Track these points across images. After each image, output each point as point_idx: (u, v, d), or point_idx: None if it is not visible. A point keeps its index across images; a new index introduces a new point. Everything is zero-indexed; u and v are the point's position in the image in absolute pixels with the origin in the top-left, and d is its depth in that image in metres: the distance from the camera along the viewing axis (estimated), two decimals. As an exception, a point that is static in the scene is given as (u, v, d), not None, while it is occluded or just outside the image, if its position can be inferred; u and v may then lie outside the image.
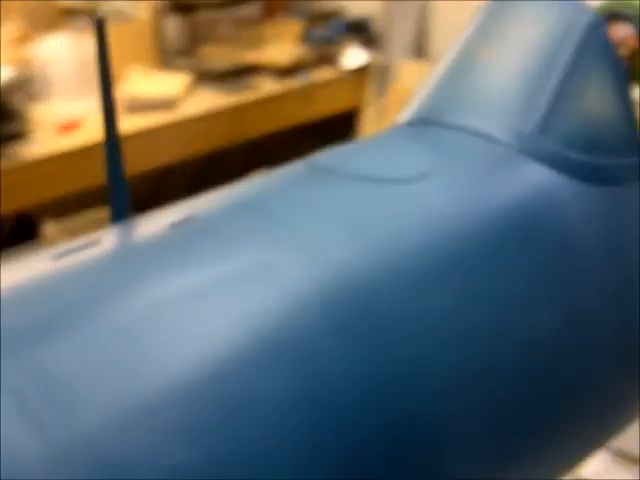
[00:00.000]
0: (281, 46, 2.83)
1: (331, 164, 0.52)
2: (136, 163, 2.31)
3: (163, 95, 2.48)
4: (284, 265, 0.42)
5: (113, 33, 2.57)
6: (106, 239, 0.51)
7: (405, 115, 0.63)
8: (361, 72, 2.82)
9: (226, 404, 0.35)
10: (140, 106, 2.44)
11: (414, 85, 2.65)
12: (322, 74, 2.76)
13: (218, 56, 2.77)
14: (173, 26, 2.80)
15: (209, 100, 2.55)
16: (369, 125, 2.81)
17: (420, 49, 2.82)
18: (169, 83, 2.56)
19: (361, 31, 2.86)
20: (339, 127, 2.82)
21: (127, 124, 2.31)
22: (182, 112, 2.46)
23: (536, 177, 0.53)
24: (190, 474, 0.34)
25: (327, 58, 2.80)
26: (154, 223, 0.52)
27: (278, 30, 2.91)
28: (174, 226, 0.50)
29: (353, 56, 2.81)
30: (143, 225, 0.54)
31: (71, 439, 0.34)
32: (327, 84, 2.76)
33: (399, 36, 2.82)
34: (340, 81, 2.79)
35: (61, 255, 0.47)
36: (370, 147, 0.57)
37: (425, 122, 0.59)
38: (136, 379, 0.37)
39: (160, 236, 0.48)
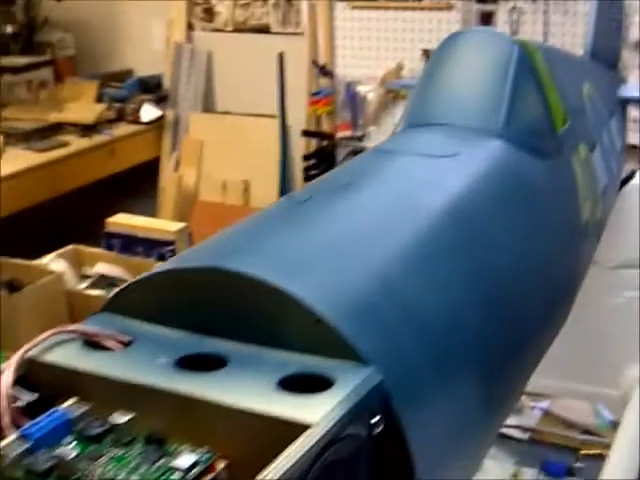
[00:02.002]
0: (80, 105, 3.00)
1: (390, 148, 0.79)
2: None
3: (-21, 156, 2.58)
4: (417, 200, 0.67)
5: None
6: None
7: (403, 123, 0.89)
8: (157, 126, 3.05)
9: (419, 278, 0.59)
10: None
11: (204, 136, 2.92)
12: (122, 129, 2.97)
13: (22, 117, 2.91)
14: (-28, 92, 2.90)
15: (22, 159, 2.67)
16: (167, 173, 3.04)
17: (207, 103, 3.10)
18: (-19, 145, 2.66)
19: (153, 88, 3.10)
20: (142, 177, 3.03)
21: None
22: (2, 171, 2.57)
23: (508, 151, 0.83)
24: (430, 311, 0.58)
25: (124, 115, 3.01)
26: None
27: (73, 91, 3.09)
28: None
29: (148, 112, 3.04)
30: None
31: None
32: (128, 138, 2.97)
33: (187, 92, 3.08)
34: (139, 135, 3.01)
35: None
36: (408, 137, 0.84)
37: (422, 124, 0.86)
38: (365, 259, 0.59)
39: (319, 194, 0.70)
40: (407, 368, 0.48)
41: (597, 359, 1.33)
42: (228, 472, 0.42)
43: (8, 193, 2.56)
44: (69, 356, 0.47)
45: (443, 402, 0.51)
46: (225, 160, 2.93)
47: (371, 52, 2.72)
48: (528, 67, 0.93)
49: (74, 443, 0.42)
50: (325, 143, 2.80)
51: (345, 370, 0.44)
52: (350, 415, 0.42)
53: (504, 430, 1.20)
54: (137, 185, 3.03)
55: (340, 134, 2.75)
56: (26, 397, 0.45)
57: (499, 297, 0.61)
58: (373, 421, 0.43)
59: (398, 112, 2.59)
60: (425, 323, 0.52)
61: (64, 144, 2.79)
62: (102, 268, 1.76)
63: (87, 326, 0.49)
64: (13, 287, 1.61)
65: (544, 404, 1.26)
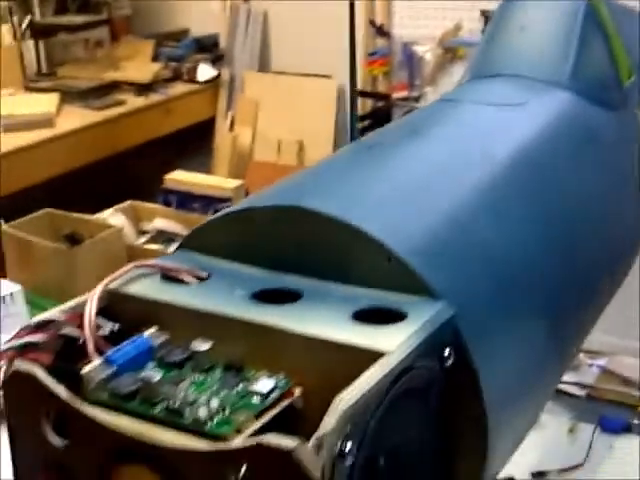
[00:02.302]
0: (136, 64, 3.03)
1: (457, 97, 0.79)
2: (21, 178, 2.46)
3: (39, 114, 2.62)
4: (486, 146, 0.68)
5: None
6: None
7: (468, 75, 0.89)
8: (213, 85, 3.07)
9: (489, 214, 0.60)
10: (19, 125, 2.57)
11: (260, 95, 2.93)
12: (178, 89, 2.99)
13: (78, 76, 2.94)
14: (32, 50, 2.94)
15: (80, 116, 2.71)
16: (222, 132, 3.06)
17: (263, 63, 3.11)
18: (41, 102, 2.70)
19: (209, 48, 3.11)
20: (197, 136, 3.05)
21: (6, 143, 2.46)
22: (60, 128, 2.61)
23: (576, 102, 0.83)
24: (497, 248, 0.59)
25: (180, 74, 3.03)
26: None
27: (129, 50, 3.11)
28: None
29: (204, 71, 3.05)
30: None
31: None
32: (184, 98, 2.99)
33: (243, 52, 3.09)
34: (195, 95, 3.03)
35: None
36: (474, 87, 0.84)
37: (487, 76, 0.86)
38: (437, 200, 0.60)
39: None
40: (478, 305, 0.49)
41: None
42: (303, 399, 0.43)
43: (66, 150, 2.59)
44: (149, 288, 0.49)
45: (512, 340, 0.52)
46: (280, 120, 2.93)
47: (429, 12, 2.71)
48: (594, 19, 0.92)
49: (157, 368, 0.43)
50: (381, 104, 2.80)
51: (417, 304, 0.45)
52: (423, 346, 0.43)
53: (561, 386, 1.20)
54: (192, 144, 3.06)
55: (396, 95, 2.75)
56: (108, 326, 0.47)
57: (569, 243, 0.62)
58: (445, 354, 0.45)
59: (455, 72, 2.58)
60: (496, 263, 0.52)
61: (120, 102, 2.82)
62: (160, 223, 1.78)
63: (166, 261, 0.51)
64: (73, 240, 1.64)
65: (602, 361, 1.25)
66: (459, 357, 0.46)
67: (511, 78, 0.83)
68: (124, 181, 2.83)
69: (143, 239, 1.75)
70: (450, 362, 0.45)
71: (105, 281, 0.48)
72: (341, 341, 0.43)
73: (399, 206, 0.52)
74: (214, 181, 2.12)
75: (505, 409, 0.50)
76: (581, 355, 1.24)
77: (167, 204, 1.88)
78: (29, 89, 2.84)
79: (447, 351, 0.45)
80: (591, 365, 1.25)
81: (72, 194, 2.54)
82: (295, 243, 0.50)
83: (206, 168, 2.95)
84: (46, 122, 2.61)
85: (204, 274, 0.50)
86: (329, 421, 0.37)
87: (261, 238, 0.51)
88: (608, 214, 0.73)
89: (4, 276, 1.50)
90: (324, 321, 0.44)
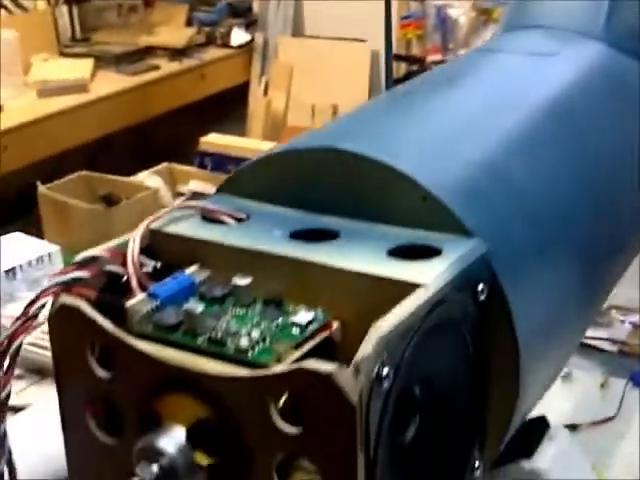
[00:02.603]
0: (170, 29, 3.04)
1: (491, 48, 0.79)
2: (56, 142, 2.49)
3: (74, 79, 2.64)
4: (520, 93, 0.68)
5: (16, 23, 2.75)
6: None
7: (501, 29, 0.89)
8: (246, 50, 3.07)
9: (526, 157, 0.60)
10: (53, 90, 2.59)
11: (293, 60, 2.93)
12: (212, 53, 2.99)
13: (112, 41, 2.96)
14: (66, 15, 2.96)
15: (114, 82, 2.72)
16: (256, 97, 3.07)
17: (296, 28, 3.10)
18: (76, 68, 2.72)
19: (242, 12, 3.11)
20: (231, 101, 3.06)
21: (41, 108, 2.49)
22: (95, 93, 2.63)
23: (609, 53, 0.82)
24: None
25: (214, 39, 3.04)
26: None
27: (163, 15, 3.12)
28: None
29: (237, 36, 3.06)
30: None
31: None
32: (217, 62, 2.99)
33: (277, 16, 3.09)
34: (228, 59, 3.04)
35: None
36: (508, 38, 0.84)
37: (520, 27, 0.86)
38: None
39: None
40: (511, 244, 0.50)
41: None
42: (342, 332, 0.45)
43: (101, 115, 2.61)
44: (190, 228, 0.50)
45: (544, 280, 0.52)
46: (314, 84, 2.94)
47: (463, -26, 2.69)
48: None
49: (199, 302, 0.45)
50: (415, 67, 2.79)
51: (452, 242, 0.46)
52: (457, 280, 0.44)
53: (593, 342, 1.21)
54: (226, 109, 3.07)
55: (430, 58, 2.74)
56: (150, 264, 0.48)
57: (602, 191, 0.62)
58: (479, 288, 0.46)
59: (489, 35, 2.56)
60: (530, 204, 0.53)
61: (154, 67, 2.83)
62: (195, 185, 1.80)
63: (205, 203, 0.52)
64: (110, 201, 1.66)
65: (634, 318, 1.26)
66: (492, 293, 0.47)
67: (544, 29, 0.83)
68: (160, 144, 2.86)
69: (179, 200, 1.77)
70: (483, 297, 0.46)
71: (147, 221, 0.50)
72: (378, 274, 0.44)
73: (434, 148, 0.53)
74: (249, 143, 2.14)
75: (537, 346, 0.51)
76: (613, 311, 1.25)
77: (202, 167, 1.89)
78: (63, 54, 2.86)
79: (481, 286, 0.46)
80: (623, 321, 1.25)
81: (108, 158, 2.57)
82: (332, 185, 0.51)
83: (240, 133, 2.96)
84: (80, 87, 2.62)
85: (243, 216, 0.51)
86: (367, 347, 0.38)
87: (298, 181, 0.52)
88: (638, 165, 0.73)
89: (42, 237, 1.52)
90: (361, 257, 0.45)
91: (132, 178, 1.80)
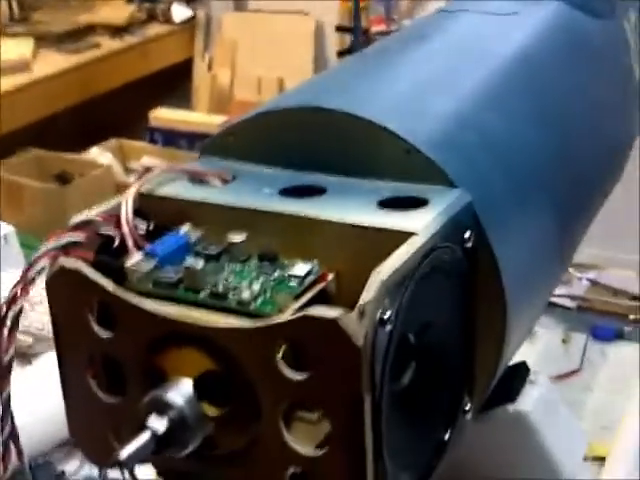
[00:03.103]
0: (110, 7, 3.01)
1: (452, 9, 0.80)
2: (4, 122, 2.46)
3: (16, 58, 2.61)
4: (487, 48, 0.70)
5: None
6: None
7: None
8: (189, 26, 3.05)
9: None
10: (-6, 70, 2.55)
11: (237, 35, 2.91)
12: (154, 30, 2.97)
13: (52, 20, 2.92)
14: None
15: (56, 61, 2.69)
16: (201, 73, 3.05)
17: (239, 2, 3.09)
18: (17, 47, 2.68)
19: (183, -13, 3.09)
20: (175, 78, 3.04)
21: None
22: (37, 73, 2.60)
23: (565, 11, 0.84)
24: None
25: (155, 15, 3.01)
26: None
27: (103, -8, 3.09)
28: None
29: (178, 11, 3.04)
30: None
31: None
32: (160, 39, 2.98)
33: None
34: (171, 36, 3.02)
35: None
36: (467, 1, 0.86)
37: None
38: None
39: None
40: (492, 193, 0.52)
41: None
42: (336, 283, 0.46)
43: (46, 94, 2.59)
44: (179, 189, 0.51)
45: (525, 228, 0.54)
46: (259, 59, 2.93)
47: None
48: None
49: (197, 259, 0.45)
50: (359, 38, 2.80)
51: (437, 192, 0.48)
52: (446, 227, 0.45)
53: (553, 299, 1.24)
54: (171, 85, 3.05)
55: (374, 29, 2.75)
56: (143, 225, 0.49)
57: (567, 141, 0.64)
58: (466, 236, 0.47)
59: (432, 5, 2.58)
60: (505, 155, 0.55)
61: (96, 45, 2.80)
62: (147, 161, 1.80)
63: (192, 165, 0.53)
64: (63, 180, 1.65)
65: (591, 274, 1.29)
66: (478, 241, 0.48)
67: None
68: (107, 121, 2.83)
69: (132, 177, 1.76)
70: (470, 244, 0.47)
71: (136, 184, 0.50)
72: (370, 224, 0.45)
73: (411, 103, 0.55)
74: (199, 118, 2.13)
75: (521, 292, 0.52)
76: (571, 269, 1.28)
77: (153, 142, 1.90)
78: (3, 34, 2.82)
79: (468, 233, 0.47)
80: (581, 278, 1.28)
81: (56, 135, 2.54)
82: (316, 143, 0.52)
83: (186, 108, 2.95)
84: (22, 67, 2.59)
85: (230, 176, 0.52)
86: (369, 291, 0.39)
87: (281, 140, 0.53)
88: (601, 116, 0.76)
89: (-5, 219, 1.50)
90: (352, 209, 0.47)
91: (83, 155, 1.79)
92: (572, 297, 1.22)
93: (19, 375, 0.99)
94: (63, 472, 1.02)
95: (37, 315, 1.06)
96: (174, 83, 3.06)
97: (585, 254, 1.17)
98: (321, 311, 0.39)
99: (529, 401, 0.59)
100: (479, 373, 0.51)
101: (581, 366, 1.09)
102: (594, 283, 1.25)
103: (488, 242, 0.49)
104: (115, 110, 2.91)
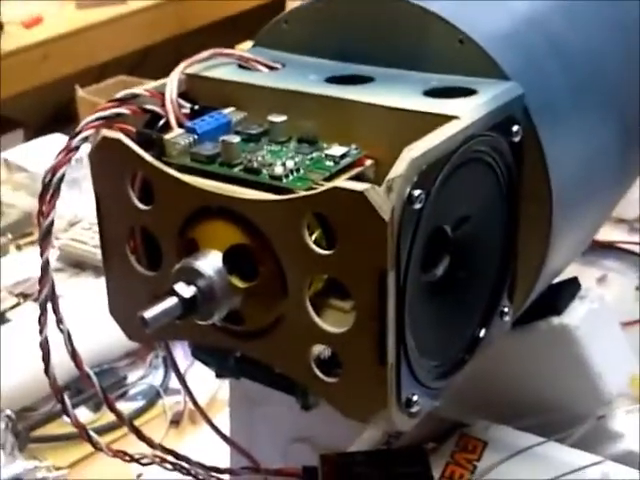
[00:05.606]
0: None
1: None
2: (99, 52, 2.49)
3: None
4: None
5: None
6: None
7: None
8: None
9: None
10: (91, 2, 2.59)
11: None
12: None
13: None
14: None
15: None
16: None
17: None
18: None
19: None
20: (269, 16, 3.03)
21: (83, 18, 2.49)
22: (132, 6, 2.62)
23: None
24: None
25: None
26: None
27: None
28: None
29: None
30: None
31: None
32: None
33: None
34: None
35: None
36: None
37: None
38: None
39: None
40: (548, 91, 0.50)
41: None
42: (375, 170, 0.45)
43: (139, 26, 2.61)
44: (227, 73, 0.51)
45: (581, 133, 0.52)
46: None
47: None
48: None
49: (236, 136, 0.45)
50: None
51: (488, 83, 0.47)
52: (492, 115, 0.44)
53: (627, 246, 1.20)
54: (265, 23, 3.03)
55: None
56: (188, 105, 0.49)
57: (635, 45, 0.61)
58: (513, 129, 0.46)
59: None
60: (568, 56, 0.53)
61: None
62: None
63: (243, 52, 0.53)
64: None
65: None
66: (527, 138, 0.47)
67: None
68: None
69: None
70: (518, 139, 0.46)
71: (184, 64, 0.50)
72: (413, 108, 0.44)
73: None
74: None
75: (570, 198, 0.51)
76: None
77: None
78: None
79: (515, 127, 0.46)
80: (658, 225, 1.24)
81: (149, 68, 2.56)
82: (367, 32, 0.51)
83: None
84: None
85: (278, 65, 0.52)
86: (399, 167, 0.38)
87: (332, 30, 0.52)
88: None
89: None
90: (396, 96, 0.46)
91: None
92: (648, 243, 1.19)
93: (96, 284, 1.01)
94: (125, 377, 1.05)
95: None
96: (269, 20, 3.04)
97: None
98: (349, 184, 0.39)
99: (575, 315, 0.58)
100: (520, 276, 0.50)
101: (653, 314, 1.06)
102: (673, 230, 1.21)
103: (539, 140, 0.48)
104: (209, 45, 2.92)
